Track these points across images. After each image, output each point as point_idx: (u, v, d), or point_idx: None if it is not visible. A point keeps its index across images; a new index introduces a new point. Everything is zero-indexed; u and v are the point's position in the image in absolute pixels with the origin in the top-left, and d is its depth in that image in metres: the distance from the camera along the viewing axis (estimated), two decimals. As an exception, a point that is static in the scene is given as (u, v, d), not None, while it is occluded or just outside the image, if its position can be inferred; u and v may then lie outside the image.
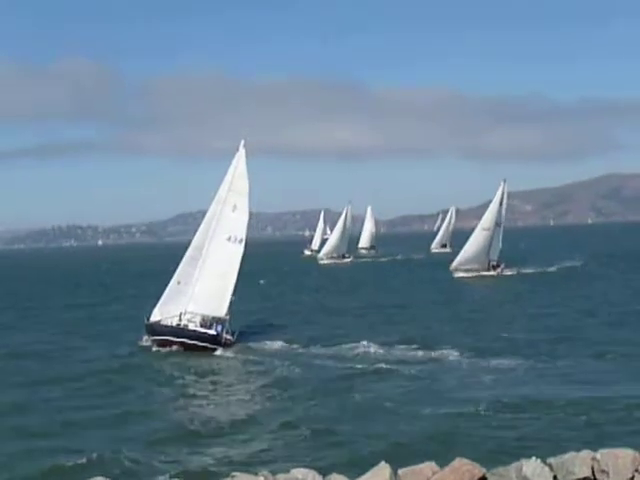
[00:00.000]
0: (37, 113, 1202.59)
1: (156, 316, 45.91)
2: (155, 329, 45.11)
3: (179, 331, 44.31)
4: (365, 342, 42.50)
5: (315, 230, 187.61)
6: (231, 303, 45.24)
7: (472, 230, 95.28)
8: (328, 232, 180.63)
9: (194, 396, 32.67)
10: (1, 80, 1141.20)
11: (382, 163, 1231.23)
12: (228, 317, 44.89)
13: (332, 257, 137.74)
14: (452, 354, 39.25)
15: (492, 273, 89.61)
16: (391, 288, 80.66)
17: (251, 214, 48.64)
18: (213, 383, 35.75)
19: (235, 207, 47.19)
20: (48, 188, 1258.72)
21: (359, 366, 37.20)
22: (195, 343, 43.72)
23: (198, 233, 48.78)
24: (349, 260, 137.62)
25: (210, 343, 43.54)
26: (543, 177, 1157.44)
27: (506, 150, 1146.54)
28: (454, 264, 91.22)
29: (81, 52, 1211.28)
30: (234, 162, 47.79)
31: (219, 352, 42.85)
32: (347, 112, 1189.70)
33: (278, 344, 44.25)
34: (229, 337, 44.16)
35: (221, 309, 45.06)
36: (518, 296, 68.23)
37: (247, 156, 47.28)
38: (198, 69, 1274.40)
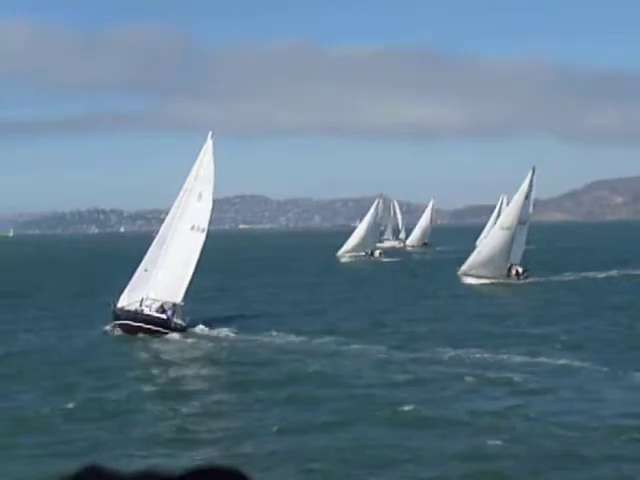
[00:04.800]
0: (87, 83, 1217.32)
1: (122, 302, 53.76)
2: (117, 314, 53.08)
3: (135, 315, 52.35)
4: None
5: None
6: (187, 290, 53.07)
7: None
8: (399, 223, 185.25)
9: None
10: (51, 47, 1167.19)
11: (460, 145, 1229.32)
12: (183, 303, 52.81)
13: (356, 254, 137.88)
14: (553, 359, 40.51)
15: (512, 280, 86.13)
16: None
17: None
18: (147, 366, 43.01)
19: (200, 196, 54.38)
20: (72, 167, 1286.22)
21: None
22: (147, 327, 51.64)
23: (166, 221, 56.27)
24: (377, 257, 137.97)
25: (161, 327, 51.45)
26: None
27: (609, 131, 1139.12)
28: (463, 268, 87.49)
29: (146, 18, 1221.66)
30: (202, 152, 55.21)
31: (168, 336, 50.75)
32: (432, 86, 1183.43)
33: (235, 332, 51.56)
34: (180, 322, 51.89)
35: (178, 295, 52.95)
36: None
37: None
38: (274, 36, 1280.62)
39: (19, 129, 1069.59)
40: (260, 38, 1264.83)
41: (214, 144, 54.69)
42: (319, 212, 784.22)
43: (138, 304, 52.76)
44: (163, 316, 51.90)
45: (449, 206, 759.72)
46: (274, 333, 50.28)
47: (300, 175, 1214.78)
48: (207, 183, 54.43)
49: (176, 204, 55.32)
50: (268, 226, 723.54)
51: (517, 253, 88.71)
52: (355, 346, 45.45)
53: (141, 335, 50.99)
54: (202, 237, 54.15)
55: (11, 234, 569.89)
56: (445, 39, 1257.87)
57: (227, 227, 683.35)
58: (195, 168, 54.91)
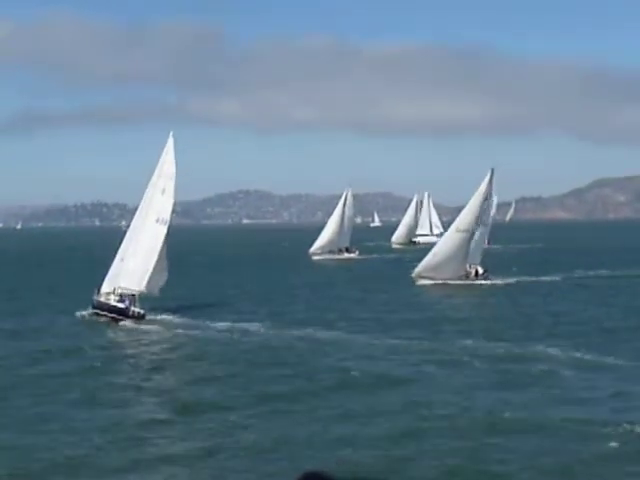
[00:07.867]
0: (109, 76, 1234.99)
1: (102, 289, 60.45)
2: (92, 303, 60.32)
3: (101, 304, 59.45)
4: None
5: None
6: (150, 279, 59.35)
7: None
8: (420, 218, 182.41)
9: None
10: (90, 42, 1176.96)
11: (476, 143, 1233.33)
12: (145, 291, 59.13)
13: (328, 252, 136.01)
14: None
15: (469, 281, 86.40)
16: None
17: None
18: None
19: (164, 191, 61.03)
20: (80, 159, 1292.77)
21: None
22: (111, 315, 58.38)
23: (136, 214, 62.84)
24: (353, 255, 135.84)
25: (120, 315, 57.95)
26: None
27: (618, 131, 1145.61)
28: (418, 269, 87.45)
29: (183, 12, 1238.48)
30: (165, 150, 61.78)
31: (125, 322, 57.06)
32: (454, 84, 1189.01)
33: (190, 320, 57.36)
34: (138, 310, 58.12)
35: (141, 284, 59.25)
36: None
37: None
38: (308, 33, 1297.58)
39: (29, 121, 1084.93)
40: (295, 34, 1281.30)
41: (175, 142, 61.31)
42: (322, 208, 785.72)
43: (109, 293, 59.63)
44: (121, 305, 58.44)
45: (453, 203, 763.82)
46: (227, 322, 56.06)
47: (304, 171, 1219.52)
48: (170, 179, 60.91)
49: (144, 197, 61.99)
50: (274, 221, 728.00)
51: (475, 254, 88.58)
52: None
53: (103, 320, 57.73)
54: (165, 229, 60.35)
55: (19, 227, 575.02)
56: (475, 38, 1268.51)
57: (230, 222, 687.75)
58: (159, 165, 61.58)
